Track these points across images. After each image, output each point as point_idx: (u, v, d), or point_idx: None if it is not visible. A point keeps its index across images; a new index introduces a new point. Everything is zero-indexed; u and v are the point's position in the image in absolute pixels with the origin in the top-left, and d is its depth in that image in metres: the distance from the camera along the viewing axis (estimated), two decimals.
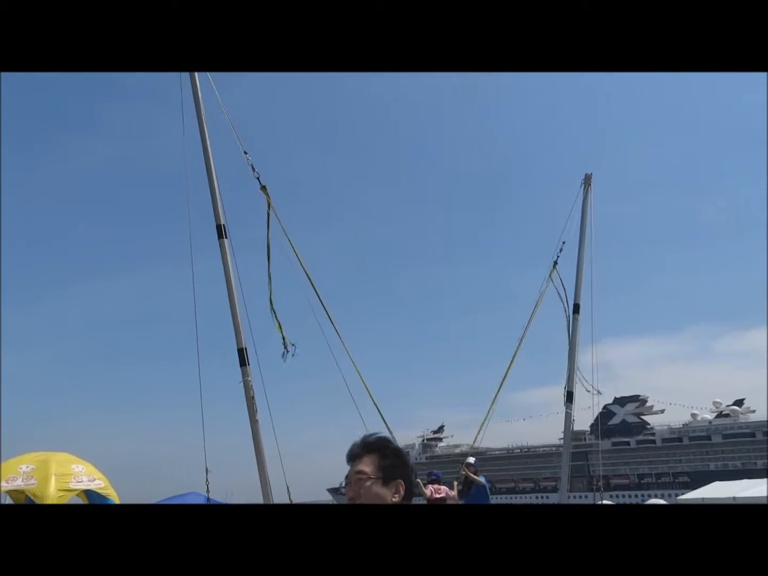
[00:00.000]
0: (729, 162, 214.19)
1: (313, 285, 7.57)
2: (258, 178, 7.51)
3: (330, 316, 7.55)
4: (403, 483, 2.06)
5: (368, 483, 2.00)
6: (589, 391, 10.07)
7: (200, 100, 7.55)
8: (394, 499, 2.04)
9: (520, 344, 10.12)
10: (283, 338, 7.30)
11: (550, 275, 10.11)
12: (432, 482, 8.22)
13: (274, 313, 7.44)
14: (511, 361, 10.32)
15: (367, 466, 2.05)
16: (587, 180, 10.88)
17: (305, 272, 7.65)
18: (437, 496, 8.08)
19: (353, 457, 2.13)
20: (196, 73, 7.41)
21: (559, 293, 10.14)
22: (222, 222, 7.50)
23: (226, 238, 7.51)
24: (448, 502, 8.17)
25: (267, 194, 7.52)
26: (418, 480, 8.05)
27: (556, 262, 10.18)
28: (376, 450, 2.10)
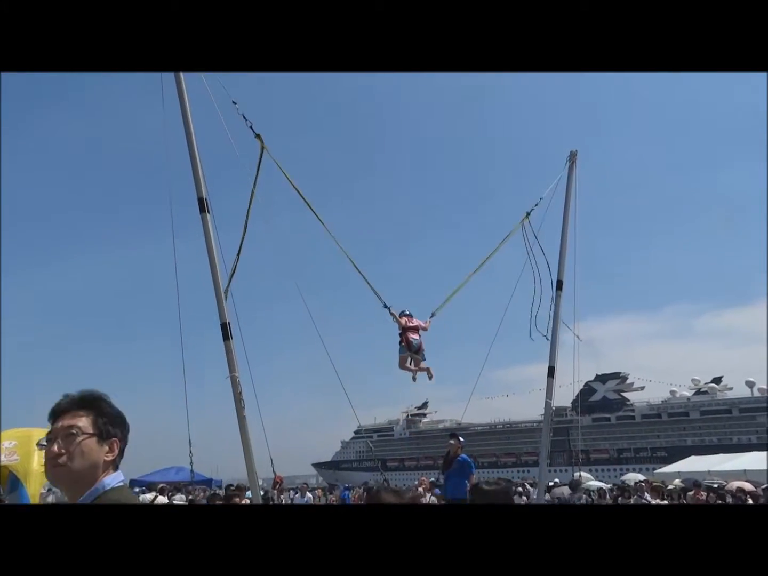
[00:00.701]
0: (715, 145, 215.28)
1: (314, 212, 7.59)
2: (251, 127, 7.42)
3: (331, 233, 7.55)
4: (118, 442, 2.05)
5: (80, 438, 1.96)
6: (575, 335, 10.20)
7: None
8: (106, 458, 2.02)
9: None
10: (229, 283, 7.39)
11: (521, 222, 10.11)
12: (404, 315, 8.32)
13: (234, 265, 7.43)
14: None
15: (80, 421, 1.99)
16: (572, 157, 10.90)
17: (309, 207, 7.80)
18: (410, 324, 8.21)
19: (60, 412, 2.03)
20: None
21: (526, 243, 10.10)
22: (203, 195, 7.42)
23: (208, 212, 7.44)
24: (421, 331, 8.31)
25: (262, 141, 7.44)
26: (393, 312, 8.26)
27: (528, 213, 10.20)
28: (93, 407, 2.05)
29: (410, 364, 8.38)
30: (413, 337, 8.23)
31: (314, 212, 7.91)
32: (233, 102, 7.36)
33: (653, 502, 13.96)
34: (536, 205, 10.32)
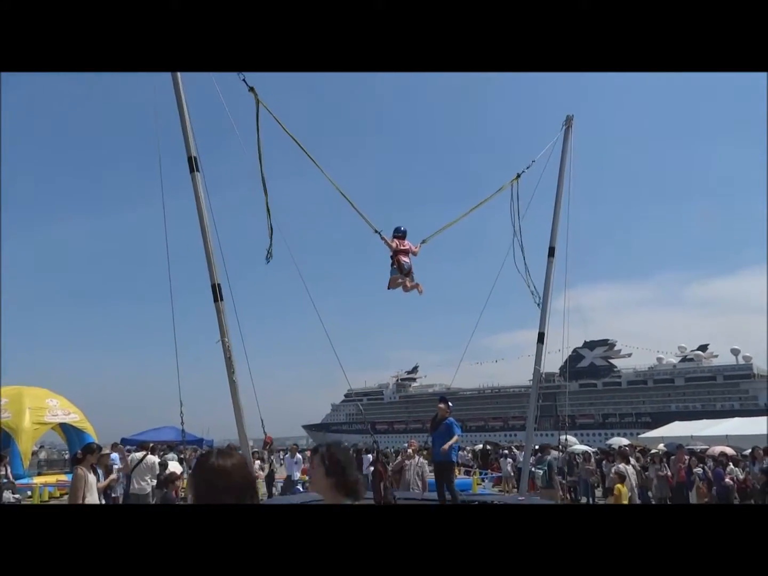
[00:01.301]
0: (709, 117, 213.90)
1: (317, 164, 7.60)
2: (244, 80, 7.32)
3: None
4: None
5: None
6: (532, 293, 10.40)
7: None
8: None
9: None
10: (271, 243, 7.65)
11: (511, 182, 10.12)
12: (396, 237, 8.45)
13: (270, 223, 7.53)
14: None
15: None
16: (568, 121, 10.81)
17: (312, 160, 7.80)
18: (402, 248, 8.33)
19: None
20: None
21: (513, 205, 10.19)
22: (193, 154, 7.32)
23: (198, 171, 7.36)
24: (411, 255, 8.42)
25: (256, 94, 7.37)
26: (383, 235, 8.32)
27: (519, 175, 10.19)
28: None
29: (400, 282, 8.45)
30: (404, 260, 8.28)
31: (309, 155, 7.82)
32: None
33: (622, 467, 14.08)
34: (528, 167, 10.26)
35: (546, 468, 11.83)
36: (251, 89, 7.35)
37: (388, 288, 8.47)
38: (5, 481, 11.39)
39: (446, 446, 8.31)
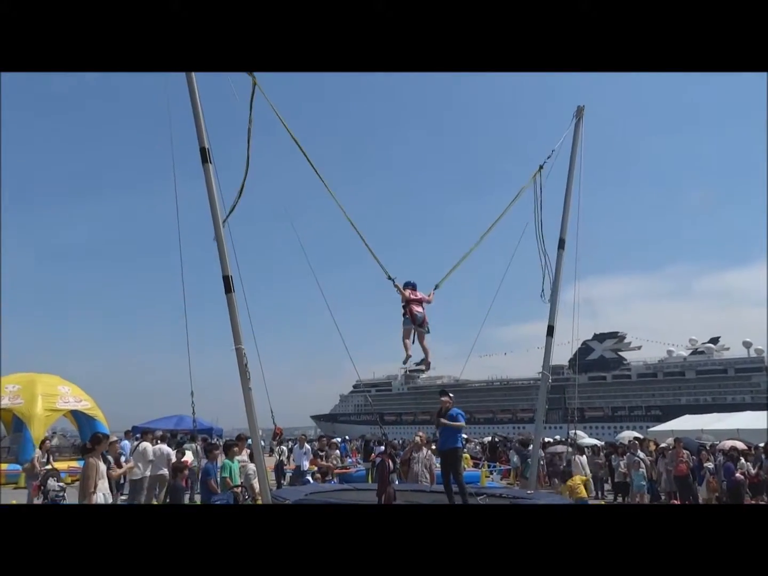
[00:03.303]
0: (720, 107, 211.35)
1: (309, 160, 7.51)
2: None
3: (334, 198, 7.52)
4: None
5: None
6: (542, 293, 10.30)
7: None
8: None
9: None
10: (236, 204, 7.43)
11: (533, 177, 10.02)
12: (408, 288, 8.44)
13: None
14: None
15: None
16: (579, 112, 10.70)
17: (300, 149, 7.64)
18: (414, 297, 8.31)
19: None
20: None
21: (537, 197, 10.04)
22: (205, 145, 7.32)
23: (210, 162, 7.35)
24: (424, 304, 8.39)
25: (254, 77, 7.27)
26: (396, 283, 8.28)
27: (541, 167, 10.08)
28: None
29: (413, 337, 8.36)
30: (417, 310, 8.23)
31: (305, 155, 7.71)
32: None
33: (642, 456, 14.33)
34: (548, 157, 10.15)
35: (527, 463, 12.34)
36: (250, 72, 7.28)
37: (403, 340, 8.39)
38: (49, 467, 11.53)
39: (445, 421, 8.29)
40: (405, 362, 8.56)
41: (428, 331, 8.42)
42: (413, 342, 8.36)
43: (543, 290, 10.36)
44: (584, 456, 14.72)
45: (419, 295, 8.41)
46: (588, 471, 14.21)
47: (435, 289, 8.81)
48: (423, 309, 8.34)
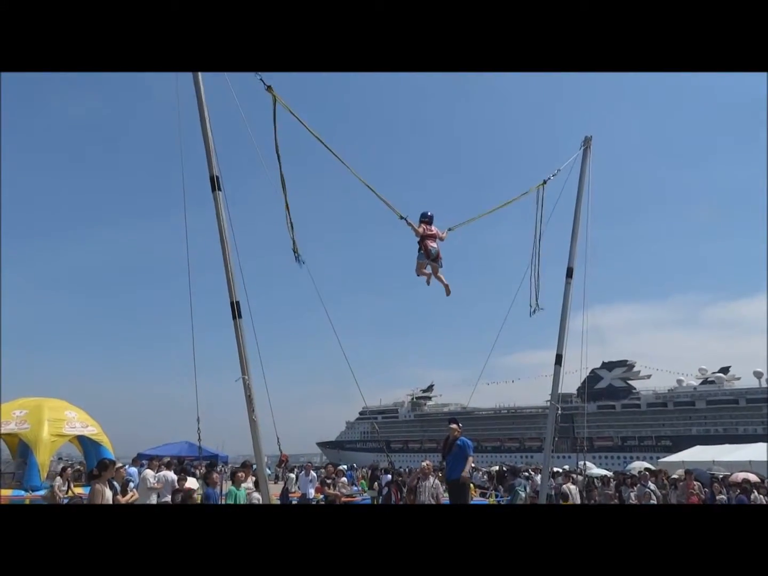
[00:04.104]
0: (722, 138, 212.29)
1: (336, 155, 7.56)
2: (261, 79, 7.12)
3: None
4: None
5: None
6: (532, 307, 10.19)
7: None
8: None
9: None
10: (294, 243, 7.49)
11: (536, 188, 9.96)
12: (423, 222, 8.29)
13: (290, 220, 7.43)
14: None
15: None
16: (586, 142, 10.78)
17: (324, 144, 7.52)
18: (429, 232, 8.12)
19: None
20: None
21: (537, 212, 9.99)
22: (216, 173, 7.41)
23: (219, 190, 7.44)
24: (438, 240, 8.25)
25: (273, 93, 7.19)
26: (409, 220, 8.09)
27: (545, 181, 10.03)
28: None
29: (427, 269, 8.32)
30: (432, 245, 8.11)
31: (328, 148, 7.53)
32: None
33: (653, 487, 14.07)
34: (553, 175, 10.17)
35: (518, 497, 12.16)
36: (269, 88, 7.19)
37: (417, 274, 8.40)
38: (71, 495, 11.66)
39: (465, 473, 8.24)
40: (428, 283, 8.47)
41: (442, 266, 8.30)
42: (428, 270, 8.30)
43: (530, 304, 10.25)
44: (575, 485, 14.34)
45: (434, 229, 8.25)
46: (578, 501, 13.80)
47: (449, 230, 8.62)
48: (437, 245, 8.21)
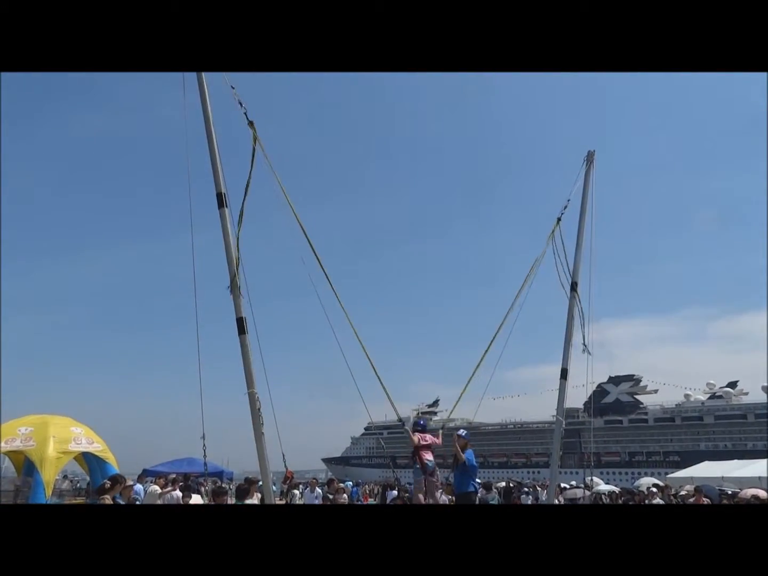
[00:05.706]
0: (726, 151, 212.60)
1: (303, 228, 7.56)
2: (245, 113, 7.30)
3: (328, 278, 7.58)
4: None
5: None
6: (584, 351, 9.99)
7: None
8: None
9: (503, 316, 10.09)
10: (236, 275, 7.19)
11: (552, 232, 9.95)
12: (417, 431, 8.31)
13: (238, 253, 7.21)
14: (500, 335, 10.35)
15: None
16: (590, 157, 10.80)
17: (295, 214, 7.49)
18: (424, 443, 8.11)
19: None
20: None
21: (557, 256, 9.89)
22: (222, 190, 7.47)
23: (226, 207, 7.49)
24: (433, 448, 8.25)
25: (254, 129, 7.32)
26: (406, 427, 8.16)
27: (559, 219, 10.01)
28: None
29: (424, 494, 8.03)
30: (427, 458, 8.09)
31: (295, 214, 7.51)
32: (231, 87, 7.26)
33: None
34: (565, 207, 10.16)
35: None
36: (250, 123, 7.32)
37: (414, 494, 8.29)
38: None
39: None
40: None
41: (438, 479, 8.28)
42: (424, 495, 8.01)
43: (584, 342, 10.05)
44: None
45: (428, 439, 8.30)
46: None
47: (441, 429, 8.88)
48: (433, 456, 8.18)
